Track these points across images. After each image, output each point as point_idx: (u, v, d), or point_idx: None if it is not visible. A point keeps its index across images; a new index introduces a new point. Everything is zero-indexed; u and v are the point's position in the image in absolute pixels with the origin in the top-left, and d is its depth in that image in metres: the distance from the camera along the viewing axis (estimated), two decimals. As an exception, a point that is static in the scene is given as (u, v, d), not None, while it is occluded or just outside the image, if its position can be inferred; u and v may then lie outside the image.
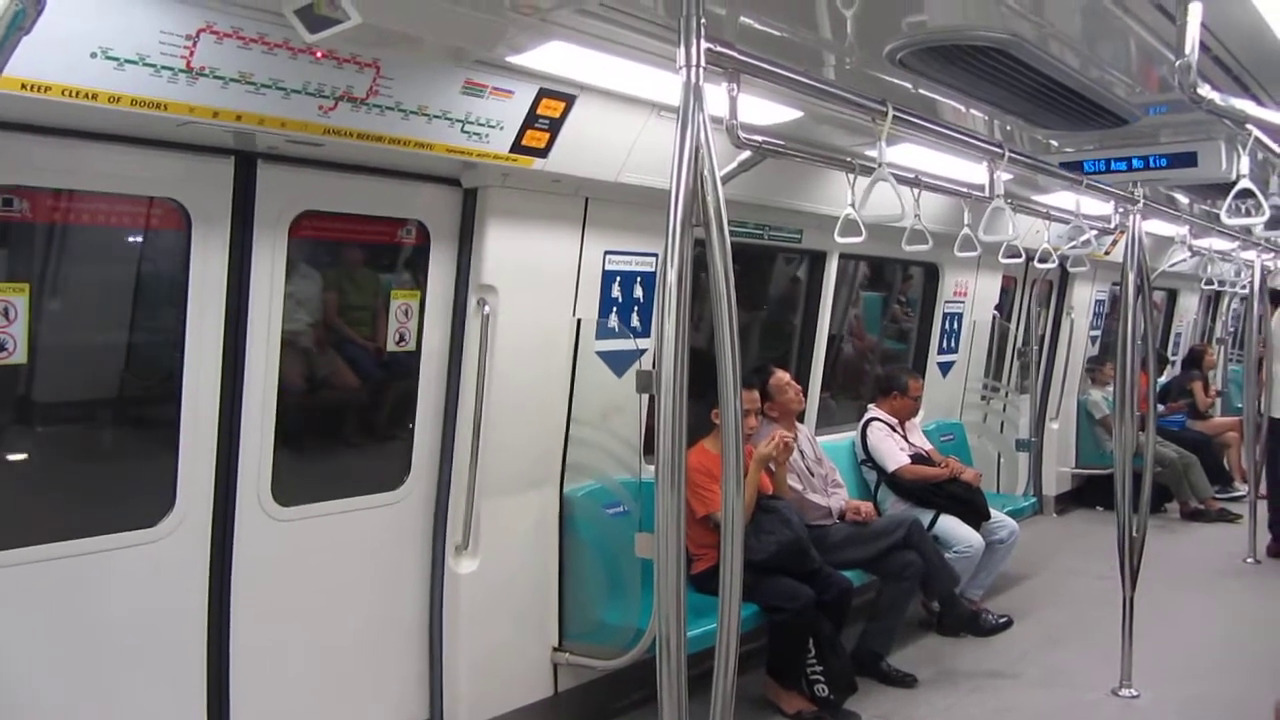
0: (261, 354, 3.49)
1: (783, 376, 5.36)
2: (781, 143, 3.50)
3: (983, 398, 7.84)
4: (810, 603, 4.52)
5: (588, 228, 4.25)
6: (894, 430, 6.06)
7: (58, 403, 3.42)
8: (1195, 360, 10.67)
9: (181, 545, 3.36)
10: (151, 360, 3.66)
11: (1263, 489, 8.00)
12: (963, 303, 7.35)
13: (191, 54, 2.68)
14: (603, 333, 4.40)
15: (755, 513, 4.65)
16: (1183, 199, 6.76)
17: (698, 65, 2.25)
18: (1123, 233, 5.45)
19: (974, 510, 5.80)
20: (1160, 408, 9.41)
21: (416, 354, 4.01)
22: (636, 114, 3.82)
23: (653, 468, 2.32)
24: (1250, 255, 8.44)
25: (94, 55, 2.54)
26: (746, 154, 3.29)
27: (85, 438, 3.53)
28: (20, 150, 2.87)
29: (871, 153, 3.59)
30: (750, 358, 6.05)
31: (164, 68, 2.66)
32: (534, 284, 4.12)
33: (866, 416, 6.13)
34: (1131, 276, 5.02)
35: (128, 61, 2.60)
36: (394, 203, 3.85)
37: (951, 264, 6.85)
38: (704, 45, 2.26)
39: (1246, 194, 3.66)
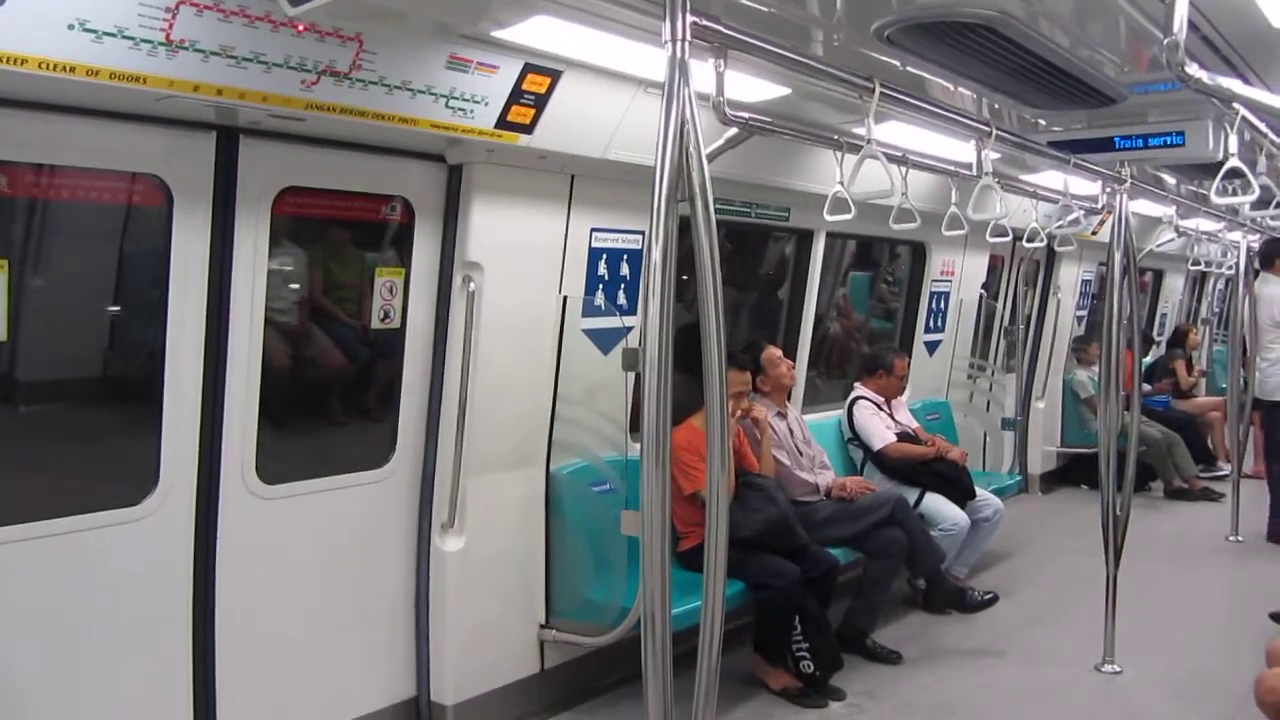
0: (245, 331, 3.46)
1: (775, 351, 5.45)
2: (769, 119, 3.48)
3: (969, 377, 7.86)
4: (796, 580, 4.53)
5: (574, 205, 4.23)
6: (880, 409, 6.07)
7: (39, 380, 3.39)
8: (1178, 340, 10.74)
9: (165, 523, 3.34)
10: (134, 337, 3.63)
11: (1247, 468, 8.08)
12: (949, 282, 7.35)
13: (171, 26, 2.65)
14: (589, 310, 4.38)
15: (741, 490, 4.66)
16: (1170, 179, 6.77)
17: (683, 40, 2.23)
18: (1110, 213, 5.45)
19: (959, 489, 5.83)
20: (1146, 387, 9.46)
21: (401, 331, 3.99)
22: (623, 90, 3.79)
23: (639, 445, 2.31)
24: (1236, 236, 8.46)
25: (71, 27, 2.50)
26: (733, 131, 3.28)
27: (67, 415, 3.49)
28: None
29: (859, 130, 3.58)
30: (740, 338, 6.06)
31: (143, 40, 2.62)
32: (520, 261, 4.10)
33: (853, 395, 6.14)
34: (1118, 256, 5.02)
35: (106, 34, 2.56)
36: (378, 179, 3.82)
37: (938, 243, 6.85)
38: (690, 19, 2.24)
39: (1235, 173, 3.66)
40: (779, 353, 5.47)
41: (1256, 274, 7.69)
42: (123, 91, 2.70)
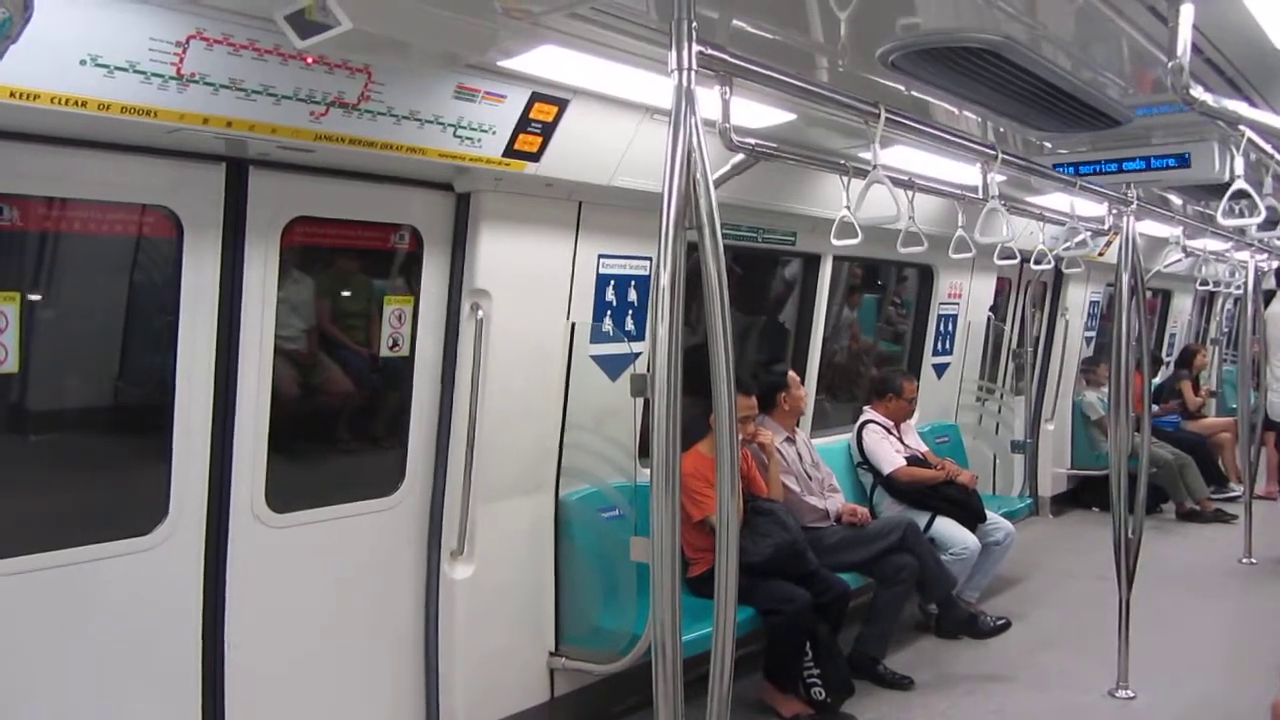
0: (254, 360, 3.47)
1: (795, 376, 5.55)
2: (775, 145, 3.50)
3: (978, 399, 7.84)
4: (807, 605, 4.51)
5: (581, 231, 4.25)
6: (889, 432, 6.06)
7: (50, 411, 3.41)
8: (1186, 360, 10.70)
9: (175, 553, 3.35)
10: (144, 368, 3.64)
11: (1259, 489, 8.03)
12: (957, 304, 7.35)
13: (181, 60, 2.68)
14: (597, 336, 4.39)
15: (751, 515, 4.65)
16: (1177, 200, 6.77)
17: (689, 69, 2.24)
18: (1117, 234, 5.45)
19: (970, 512, 5.80)
20: (1155, 408, 9.42)
21: (410, 359, 4.00)
22: (629, 117, 3.82)
23: (648, 471, 2.31)
24: (1244, 256, 8.45)
25: (83, 62, 2.54)
26: (740, 157, 3.29)
27: (77, 446, 3.51)
28: (9, 158, 2.85)
29: (865, 155, 3.59)
30: (747, 361, 6.06)
31: (154, 74, 2.65)
32: (528, 288, 4.11)
33: (862, 419, 6.13)
34: (1125, 278, 5.02)
35: (117, 68, 2.59)
36: (386, 208, 3.84)
37: (946, 266, 6.86)
38: (695, 49, 2.25)
39: (1241, 195, 3.66)
40: (798, 377, 5.56)
41: (1268, 294, 7.68)
42: (134, 125, 2.73)
